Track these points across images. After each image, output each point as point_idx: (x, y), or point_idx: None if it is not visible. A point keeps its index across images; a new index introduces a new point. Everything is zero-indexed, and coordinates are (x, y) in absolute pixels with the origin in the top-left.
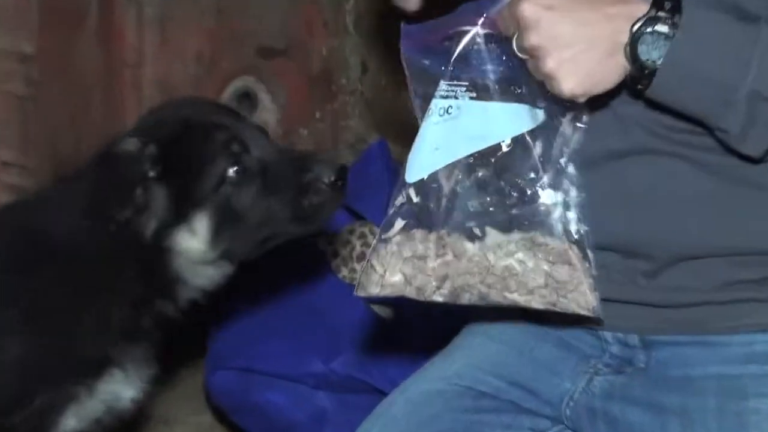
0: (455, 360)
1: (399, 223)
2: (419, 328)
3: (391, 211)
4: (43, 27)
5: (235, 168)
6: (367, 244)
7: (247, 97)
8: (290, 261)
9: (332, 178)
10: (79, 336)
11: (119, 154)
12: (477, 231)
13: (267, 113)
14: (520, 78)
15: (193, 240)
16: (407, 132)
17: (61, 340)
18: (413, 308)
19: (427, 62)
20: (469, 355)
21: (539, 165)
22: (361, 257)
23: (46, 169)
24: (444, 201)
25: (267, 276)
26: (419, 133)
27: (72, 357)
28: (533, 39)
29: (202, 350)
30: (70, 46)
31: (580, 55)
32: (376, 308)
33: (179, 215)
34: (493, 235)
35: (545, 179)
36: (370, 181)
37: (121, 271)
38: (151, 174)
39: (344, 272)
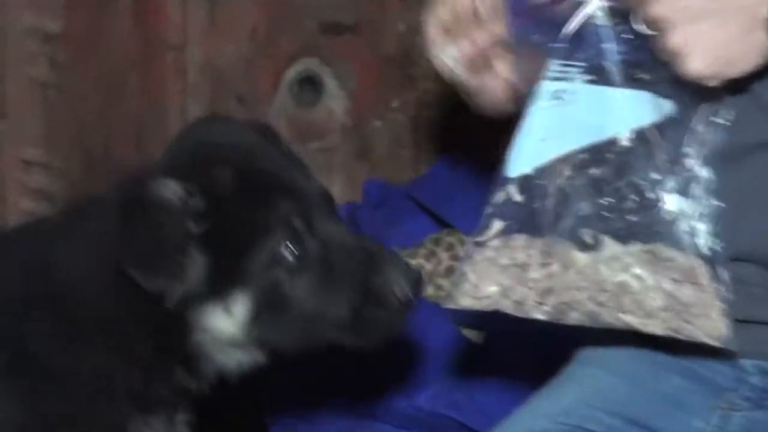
0: (563, 394)
1: (497, 225)
2: (514, 355)
3: (488, 211)
4: (71, 1)
5: (294, 249)
6: (455, 257)
7: (310, 82)
8: None
9: (407, 294)
10: (81, 401)
11: (156, 203)
12: (590, 239)
13: (333, 101)
14: (647, 61)
15: (227, 321)
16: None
17: (56, 404)
18: (506, 328)
19: (535, 36)
20: (579, 388)
21: (665, 165)
22: (449, 272)
23: (74, 170)
24: (551, 201)
25: None
26: (524, 120)
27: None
28: (658, 8)
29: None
30: (102, 23)
31: (712, 30)
32: (466, 332)
33: (216, 289)
34: (609, 245)
35: (671, 183)
36: (458, 183)
37: (132, 332)
38: (194, 234)
39: (429, 290)
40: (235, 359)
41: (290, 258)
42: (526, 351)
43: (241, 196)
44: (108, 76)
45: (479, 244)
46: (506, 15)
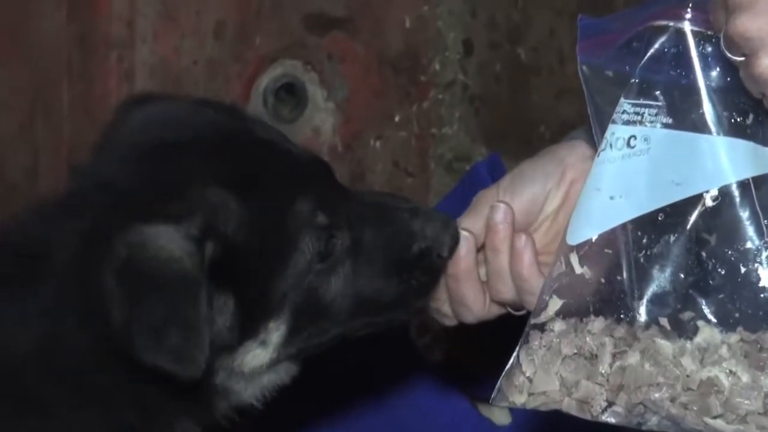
0: None
1: (555, 304)
2: None
3: (545, 285)
4: None
5: (323, 251)
6: None
7: (290, 91)
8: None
9: (449, 251)
10: None
11: (165, 267)
12: (687, 324)
13: (319, 115)
14: (744, 100)
15: (261, 353)
16: (535, 144)
17: None
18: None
19: (610, 73)
20: None
21: (763, 229)
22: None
23: None
24: (625, 275)
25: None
26: (589, 174)
27: None
28: (745, 24)
29: None
30: (27, 16)
31: None
32: (485, 410)
33: (247, 330)
34: (705, 332)
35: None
36: None
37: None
38: (213, 288)
39: (436, 356)
40: (262, 387)
41: (321, 264)
42: None
43: (250, 214)
44: (32, 81)
45: (537, 327)
46: (578, 48)
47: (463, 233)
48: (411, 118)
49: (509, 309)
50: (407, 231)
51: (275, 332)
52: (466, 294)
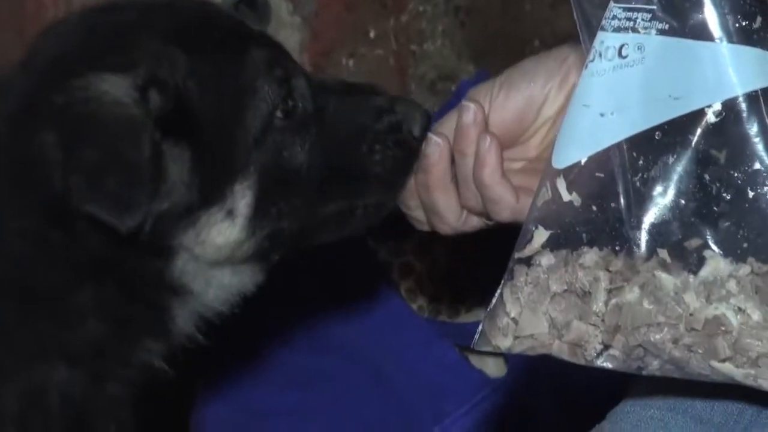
0: None
1: (541, 235)
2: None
3: (529, 215)
4: None
5: (286, 104)
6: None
7: (250, 5)
8: (333, 282)
9: (421, 129)
10: None
11: (108, 110)
12: (690, 255)
13: (284, 31)
14: (751, 1)
15: (230, 227)
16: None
17: None
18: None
19: None
20: None
21: None
22: (451, 276)
23: None
24: (622, 202)
25: (294, 308)
26: (576, 89)
27: None
28: None
29: None
30: None
31: None
32: (475, 360)
33: (208, 194)
34: (712, 265)
35: None
36: None
37: (73, 303)
38: (162, 138)
39: (421, 301)
40: (225, 288)
41: (282, 117)
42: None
43: (199, 63)
44: None
45: (522, 262)
46: None
47: (435, 139)
48: (388, 33)
49: (484, 220)
50: (374, 105)
51: (242, 199)
52: (438, 203)
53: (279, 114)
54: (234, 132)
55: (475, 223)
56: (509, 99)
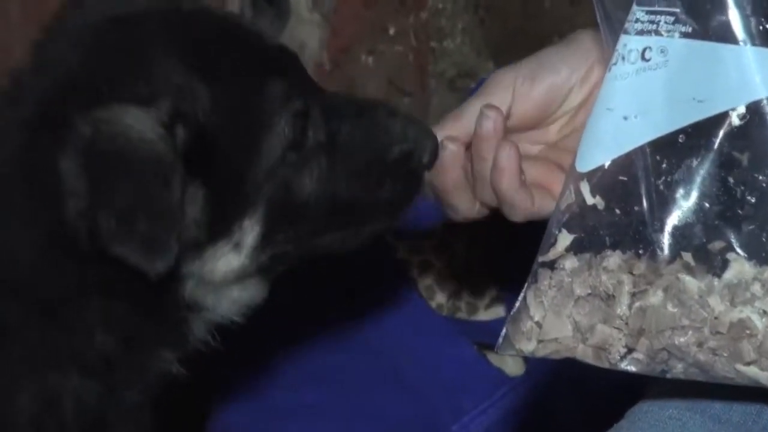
0: None
1: (565, 239)
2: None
3: (553, 217)
4: None
5: (298, 139)
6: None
7: (269, 0)
8: (351, 280)
9: (431, 156)
10: None
11: (135, 149)
12: (714, 258)
13: (304, 28)
14: None
15: (236, 258)
16: None
17: None
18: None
19: None
20: None
21: None
22: (470, 274)
23: None
24: (644, 205)
25: (312, 307)
26: (599, 92)
27: None
28: None
29: None
30: None
31: None
32: (494, 359)
33: (220, 228)
34: (736, 268)
35: None
36: None
37: (89, 323)
38: (186, 176)
39: (440, 298)
40: (233, 301)
41: (294, 150)
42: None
43: (219, 96)
44: None
45: (546, 265)
46: None
47: (451, 147)
48: (407, 30)
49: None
50: (387, 131)
51: (250, 233)
52: (452, 200)
53: (291, 149)
54: (248, 170)
55: (486, 211)
56: (534, 89)
